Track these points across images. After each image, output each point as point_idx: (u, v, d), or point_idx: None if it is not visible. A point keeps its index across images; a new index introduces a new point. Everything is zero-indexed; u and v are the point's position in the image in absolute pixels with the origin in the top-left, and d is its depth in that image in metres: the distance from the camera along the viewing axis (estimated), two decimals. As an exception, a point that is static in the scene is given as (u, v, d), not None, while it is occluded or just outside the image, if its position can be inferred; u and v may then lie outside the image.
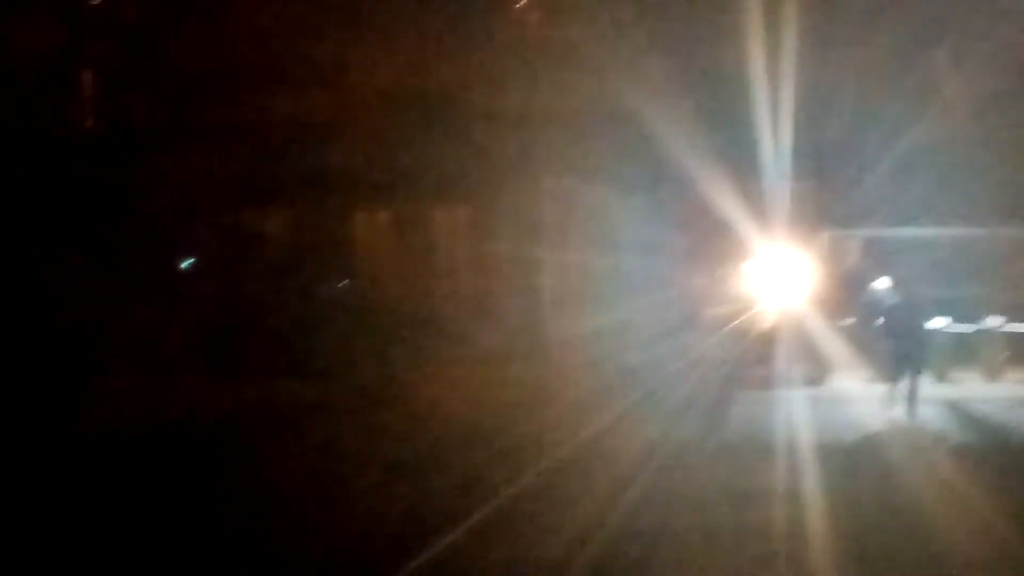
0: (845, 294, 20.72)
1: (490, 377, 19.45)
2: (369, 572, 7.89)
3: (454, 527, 9.05)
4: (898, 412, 14.24)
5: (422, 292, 23.28)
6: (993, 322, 17.86)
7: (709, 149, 20.78)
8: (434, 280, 24.05)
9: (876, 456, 11.91)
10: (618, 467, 11.65)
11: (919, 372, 14.50)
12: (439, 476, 11.44)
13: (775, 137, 20.21)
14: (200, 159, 19.66)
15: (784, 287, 23.36)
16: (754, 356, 24.86)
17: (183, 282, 21.13)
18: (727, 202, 22.80)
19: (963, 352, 18.41)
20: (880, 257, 21.61)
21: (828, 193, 22.16)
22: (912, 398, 14.33)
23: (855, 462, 11.53)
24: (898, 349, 14.86)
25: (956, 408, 15.31)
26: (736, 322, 39.67)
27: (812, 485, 10.29)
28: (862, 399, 16.67)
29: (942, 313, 18.80)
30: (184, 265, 21.86)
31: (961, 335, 18.29)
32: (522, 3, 22.99)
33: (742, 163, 21.59)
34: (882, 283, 19.36)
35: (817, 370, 19.42)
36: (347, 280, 24.21)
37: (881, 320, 16.58)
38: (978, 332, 17.52)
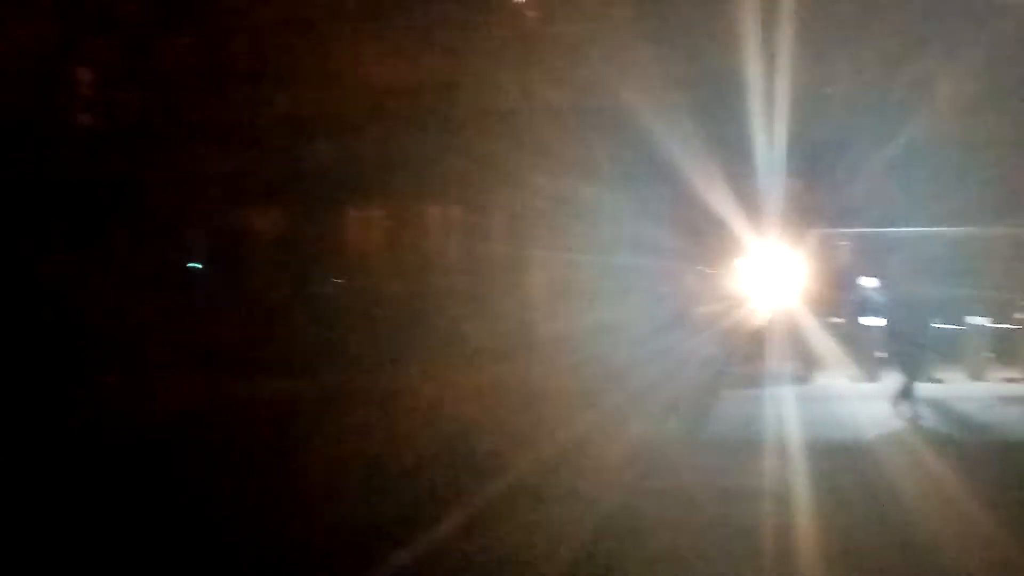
0: (834, 292, 20.83)
1: (478, 374, 19.49)
2: (346, 569, 7.91)
3: (436, 524, 9.11)
4: (900, 411, 14.29)
5: (412, 290, 23.32)
6: (978, 321, 17.99)
7: (701, 147, 20.86)
8: (425, 278, 24.08)
9: (863, 454, 11.98)
10: (604, 465, 11.72)
11: (924, 372, 14.53)
12: (425, 473, 11.50)
13: (767, 135, 20.28)
14: (193, 156, 19.68)
15: (774, 285, 23.44)
16: (743, 354, 24.98)
17: (175, 279, 21.14)
18: (718, 199, 22.88)
19: (948, 351, 18.54)
20: (869, 256, 21.75)
21: (818, 192, 22.25)
22: (915, 397, 14.39)
23: (843, 460, 11.59)
24: (902, 348, 14.90)
25: (941, 407, 15.41)
26: (725, 320, 39.79)
27: (799, 483, 10.34)
28: (850, 397, 16.81)
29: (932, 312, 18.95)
30: (187, 266, 21.85)
31: (946, 334, 18.42)
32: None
33: (733, 160, 21.65)
34: (870, 282, 19.53)
35: (805, 368, 19.54)
36: (338, 278, 24.25)
37: (884, 320, 16.72)
38: (963, 331, 17.64)
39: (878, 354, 18.95)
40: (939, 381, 18.02)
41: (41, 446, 12.71)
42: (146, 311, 18.75)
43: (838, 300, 20.45)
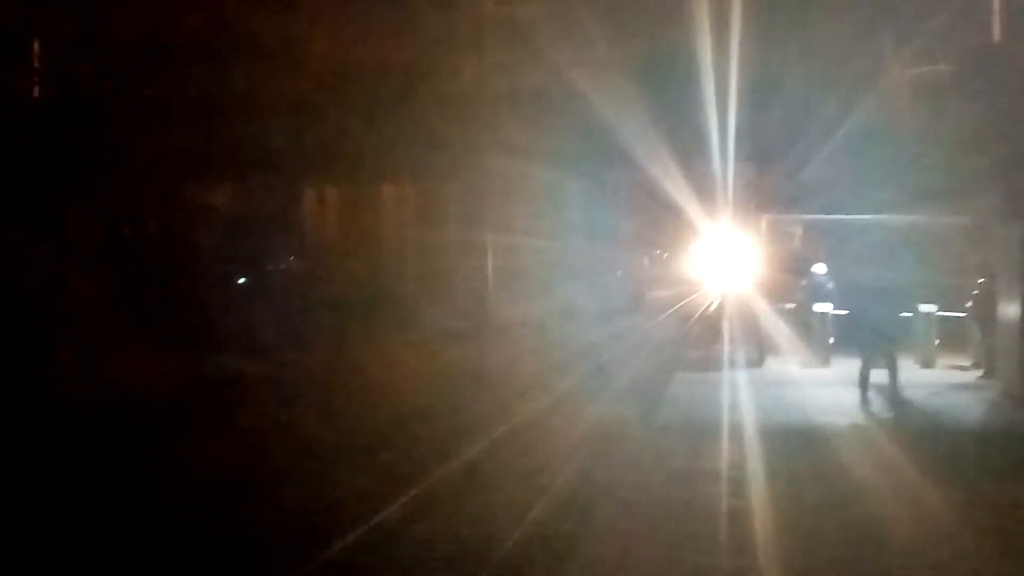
0: (787, 278, 21.01)
1: (434, 356, 19.53)
2: (297, 551, 7.89)
3: (389, 505, 9.11)
4: (864, 397, 14.38)
5: (369, 271, 23.28)
6: (926, 308, 18.22)
7: (654, 133, 20.96)
8: (381, 259, 24.06)
9: (815, 438, 12.12)
10: (558, 446, 11.79)
11: (892, 358, 14.60)
12: (378, 454, 11.51)
13: (719, 122, 20.40)
14: (148, 132, 19.44)
15: (727, 270, 23.64)
16: (696, 338, 25.20)
17: (129, 255, 20.91)
18: (672, 186, 23.02)
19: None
20: (821, 242, 21.97)
21: (770, 178, 22.45)
22: (892, 383, 14.46)
23: (794, 443, 11.72)
24: (868, 336, 14.97)
25: (891, 393, 15.62)
26: (679, 304, 40.12)
27: (752, 465, 10.46)
28: (802, 382, 16.98)
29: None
30: (139, 243, 21.59)
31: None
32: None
33: (687, 147, 21.80)
34: (822, 268, 19.72)
35: (758, 353, 19.73)
36: (293, 257, 24.16)
37: (845, 308, 16.84)
38: (913, 318, 17.86)
39: (831, 340, 19.18)
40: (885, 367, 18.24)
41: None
42: (97, 288, 18.56)
43: (790, 286, 20.64)
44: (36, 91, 20.71)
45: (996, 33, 16.44)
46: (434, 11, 21.70)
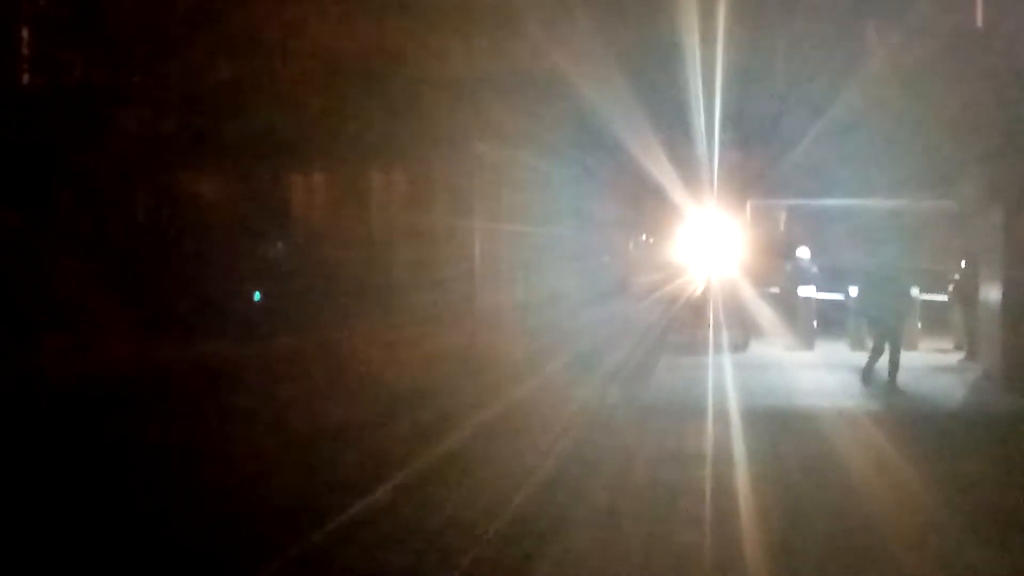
0: (771, 262, 21.13)
1: (422, 341, 19.60)
2: (283, 534, 7.95)
3: (376, 488, 9.18)
4: (873, 380, 14.46)
5: (356, 256, 23.31)
6: (911, 292, 18.36)
7: (640, 118, 21.01)
8: (368, 245, 24.08)
9: (799, 420, 12.24)
10: (544, 430, 11.87)
11: (896, 341, 14.68)
12: (366, 437, 11.58)
13: (704, 107, 20.46)
14: (137, 119, 19.42)
15: (711, 255, 23.74)
16: (681, 322, 25.34)
17: (119, 241, 20.90)
18: (657, 171, 23.09)
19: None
20: (804, 226, 22.08)
21: (755, 162, 22.52)
22: (892, 367, 14.54)
23: (779, 426, 11.83)
24: (873, 319, 15.03)
25: (874, 375, 15.76)
26: (664, 289, 40.24)
27: (736, 448, 10.56)
28: (786, 364, 17.12)
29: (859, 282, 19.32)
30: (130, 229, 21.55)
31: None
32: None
33: (672, 132, 21.86)
34: (805, 252, 19.85)
35: (742, 336, 19.85)
36: (281, 243, 24.17)
37: (856, 290, 16.94)
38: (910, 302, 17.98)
39: (815, 323, 19.33)
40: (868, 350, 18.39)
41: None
42: (87, 274, 18.56)
43: (775, 270, 20.76)
44: (26, 79, 20.62)
45: (979, 19, 16.56)
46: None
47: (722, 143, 20.40)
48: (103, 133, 19.01)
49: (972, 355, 16.77)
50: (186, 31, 19.94)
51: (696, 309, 25.27)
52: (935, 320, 18.78)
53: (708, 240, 23.56)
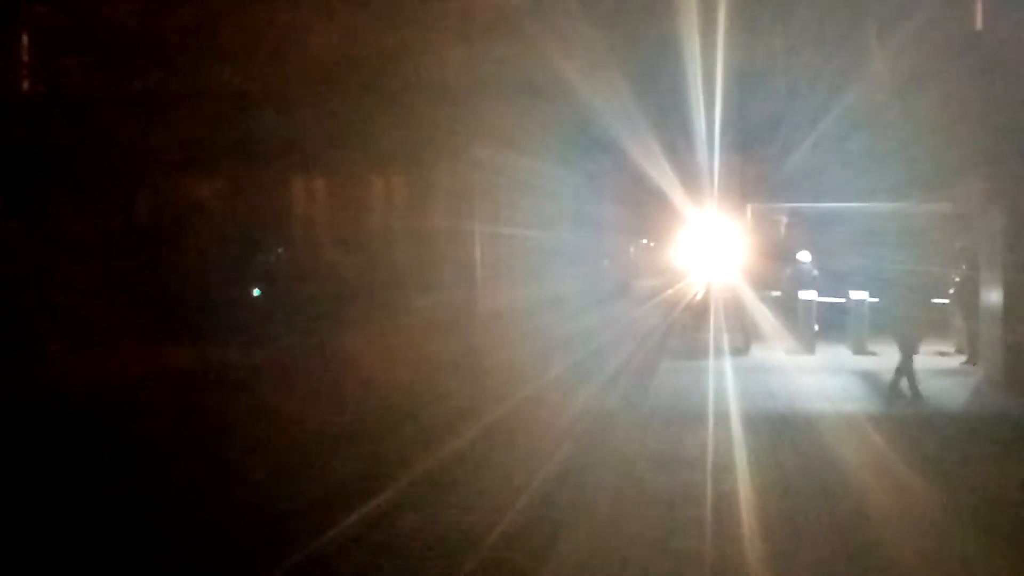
0: (772, 266, 21.10)
1: (422, 346, 19.56)
2: (284, 541, 7.94)
3: (377, 494, 9.17)
4: (900, 387, 14.26)
5: (356, 261, 23.29)
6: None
7: (640, 122, 20.98)
8: (369, 249, 24.05)
9: (800, 425, 12.21)
10: (544, 435, 11.85)
11: (915, 346, 14.42)
12: (366, 443, 11.57)
13: (705, 111, 20.43)
14: (136, 126, 19.39)
15: (712, 259, 23.72)
16: (682, 326, 25.31)
17: (118, 248, 20.89)
18: (658, 174, 23.05)
19: (881, 324, 18.92)
20: (805, 230, 22.07)
21: (756, 166, 22.49)
22: (910, 373, 14.29)
23: (780, 431, 11.81)
24: (896, 325, 14.79)
25: (875, 379, 15.75)
26: (665, 292, 40.23)
27: (738, 453, 10.53)
28: (787, 368, 17.09)
29: (861, 286, 19.29)
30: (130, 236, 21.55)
31: (878, 308, 18.79)
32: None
33: (673, 136, 21.80)
34: (806, 255, 19.82)
35: (743, 340, 19.82)
36: (282, 248, 24.16)
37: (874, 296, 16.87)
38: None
39: (815, 327, 19.30)
40: (872, 354, 18.38)
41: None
42: (87, 281, 18.57)
43: (776, 274, 20.73)
44: (25, 85, 20.62)
45: (979, 22, 16.54)
46: (419, 1, 21.65)
47: (723, 147, 20.35)
48: (102, 139, 19.00)
49: (973, 358, 16.74)
50: (187, 39, 19.94)
51: (697, 313, 25.24)
52: (936, 323, 18.74)
53: (709, 244, 23.53)
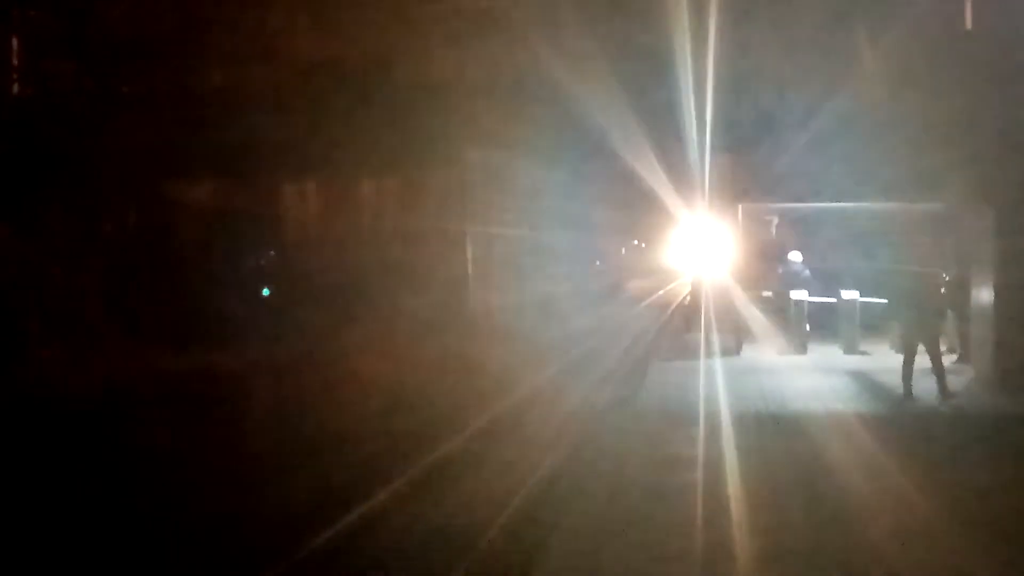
0: (763, 266, 21.11)
1: (415, 348, 19.55)
2: (282, 541, 7.94)
3: (374, 493, 9.17)
4: (909, 386, 14.17)
5: (348, 263, 23.28)
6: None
7: (631, 123, 20.99)
8: (360, 251, 24.04)
9: (792, 425, 12.22)
10: (536, 436, 11.86)
11: (931, 347, 14.30)
12: (362, 443, 11.56)
13: (696, 111, 20.45)
14: (127, 128, 19.35)
15: (704, 259, 23.70)
16: (673, 326, 25.35)
17: (110, 251, 20.85)
18: (648, 175, 23.05)
19: (872, 324, 18.99)
20: (796, 230, 22.09)
21: (746, 167, 22.50)
22: (908, 373, 14.19)
23: (772, 431, 11.83)
24: (909, 326, 14.66)
25: (867, 378, 15.78)
26: (656, 293, 40.30)
27: (730, 453, 10.54)
28: (779, 369, 17.11)
29: (851, 286, 19.34)
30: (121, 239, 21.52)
31: (870, 307, 18.84)
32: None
33: (663, 137, 21.81)
34: (797, 255, 19.85)
35: (735, 340, 19.84)
36: (273, 251, 24.14)
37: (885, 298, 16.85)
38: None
39: (807, 327, 19.34)
40: (864, 353, 18.43)
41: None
42: (78, 285, 18.53)
43: (767, 274, 20.75)
44: (16, 88, 20.57)
45: (968, 21, 16.58)
46: (410, 3, 21.65)
47: (713, 147, 20.36)
48: (94, 143, 18.97)
49: (965, 357, 16.77)
50: (177, 42, 19.91)
51: (688, 313, 25.27)
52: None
53: (700, 244, 23.52)
